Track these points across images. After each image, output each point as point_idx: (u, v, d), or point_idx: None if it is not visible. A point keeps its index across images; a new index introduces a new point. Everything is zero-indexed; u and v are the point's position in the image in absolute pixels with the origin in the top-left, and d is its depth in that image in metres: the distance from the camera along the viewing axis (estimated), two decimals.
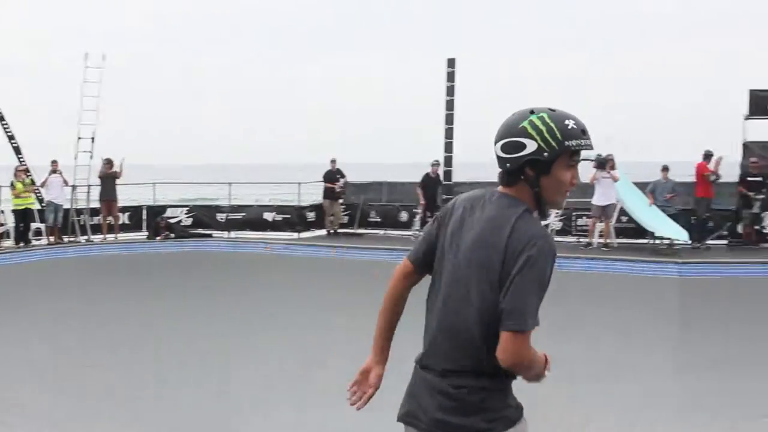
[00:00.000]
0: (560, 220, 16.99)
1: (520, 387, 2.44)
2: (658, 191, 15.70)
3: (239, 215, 19.40)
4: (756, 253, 14.73)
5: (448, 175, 17.96)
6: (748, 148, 16.57)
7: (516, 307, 2.23)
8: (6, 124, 18.18)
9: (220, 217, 19.44)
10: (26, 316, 10.23)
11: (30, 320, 9.93)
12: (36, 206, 17.42)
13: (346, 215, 19.31)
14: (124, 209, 18.72)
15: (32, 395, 6.57)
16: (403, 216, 18.83)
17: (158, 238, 18.06)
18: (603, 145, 15.41)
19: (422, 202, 17.29)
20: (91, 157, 17.93)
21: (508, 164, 2.38)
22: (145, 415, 6.04)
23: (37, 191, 17.69)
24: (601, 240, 15.62)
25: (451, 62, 17.92)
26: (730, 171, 15.91)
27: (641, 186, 16.24)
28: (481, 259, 2.32)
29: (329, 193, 18.63)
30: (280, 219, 19.17)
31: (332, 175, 18.68)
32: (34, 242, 16.98)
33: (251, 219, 19.33)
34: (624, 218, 16.32)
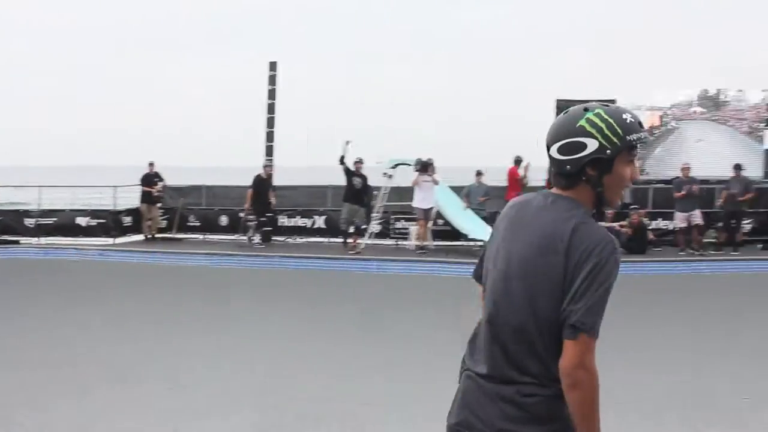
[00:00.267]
0: (379, 223, 17.38)
1: None
2: (472, 195, 16.42)
3: (50, 220, 18.32)
4: None
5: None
6: None
7: (583, 314, 2.14)
8: None
9: (29, 222, 18.27)
10: None
11: None
12: None
13: (164, 219, 18.78)
14: None
15: None
16: (223, 220, 18.59)
17: None
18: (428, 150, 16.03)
19: (247, 205, 17.08)
20: None
21: (568, 166, 2.28)
22: None
23: None
24: (418, 242, 16.12)
25: (273, 65, 17.92)
26: (537, 175, 16.85)
27: (456, 190, 16.95)
28: (541, 266, 2.23)
29: (147, 197, 18.06)
30: (95, 224, 18.23)
31: (150, 178, 18.10)
32: None
33: (63, 224, 18.27)
34: (440, 221, 16.90)
